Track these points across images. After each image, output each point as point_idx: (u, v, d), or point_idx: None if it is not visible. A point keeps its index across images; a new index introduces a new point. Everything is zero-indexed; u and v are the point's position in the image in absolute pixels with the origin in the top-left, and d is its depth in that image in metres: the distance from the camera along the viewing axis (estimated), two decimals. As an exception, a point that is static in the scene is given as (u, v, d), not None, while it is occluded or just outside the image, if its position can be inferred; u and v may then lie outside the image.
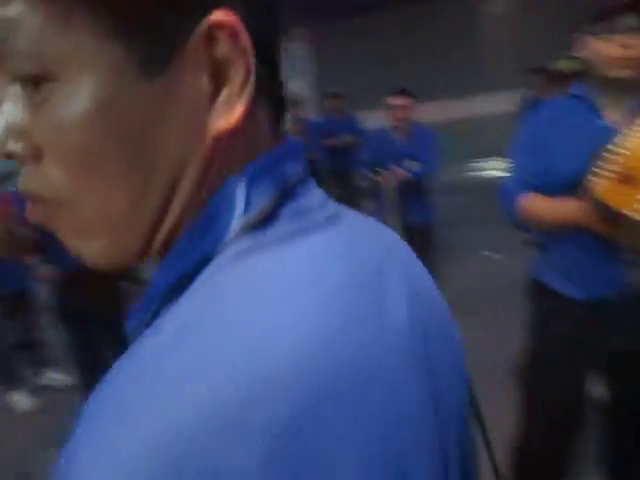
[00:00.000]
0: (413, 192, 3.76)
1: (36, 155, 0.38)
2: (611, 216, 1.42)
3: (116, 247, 0.41)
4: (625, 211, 1.35)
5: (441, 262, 4.40)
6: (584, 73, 1.68)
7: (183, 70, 0.36)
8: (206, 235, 0.38)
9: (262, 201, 0.38)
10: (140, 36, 0.35)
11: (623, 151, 1.34)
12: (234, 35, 0.36)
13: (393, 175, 3.74)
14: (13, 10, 0.34)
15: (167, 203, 0.39)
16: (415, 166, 3.68)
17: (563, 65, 3.04)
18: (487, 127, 7.03)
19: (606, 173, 1.37)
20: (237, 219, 0.38)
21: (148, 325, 0.37)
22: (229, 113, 0.37)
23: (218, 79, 0.37)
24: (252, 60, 0.37)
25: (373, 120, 6.81)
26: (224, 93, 0.37)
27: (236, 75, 0.37)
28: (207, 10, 0.35)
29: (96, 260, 0.42)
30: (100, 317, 2.64)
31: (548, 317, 1.96)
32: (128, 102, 0.36)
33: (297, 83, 9.34)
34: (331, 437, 0.31)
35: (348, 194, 6.17)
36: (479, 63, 8.31)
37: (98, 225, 0.40)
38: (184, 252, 0.39)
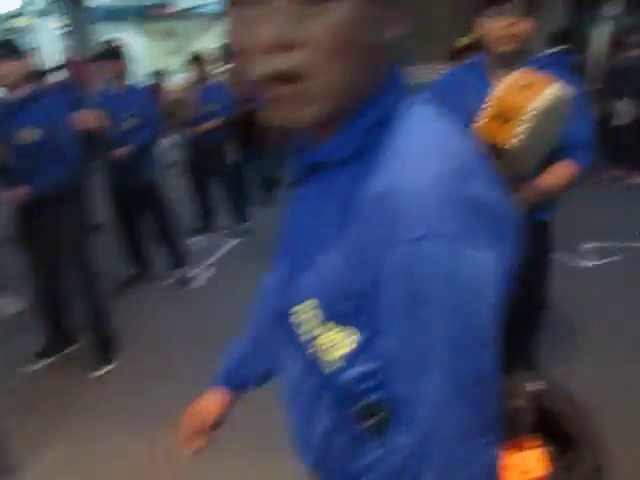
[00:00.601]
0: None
1: (289, 46, 0.57)
2: (494, 152, 1.62)
3: (324, 113, 0.62)
4: (503, 144, 1.58)
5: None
6: (478, 47, 2.01)
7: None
8: (389, 96, 0.67)
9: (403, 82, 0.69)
10: None
11: (493, 98, 1.61)
12: None
13: None
14: None
15: (365, 82, 0.64)
16: None
17: (460, 42, 3.45)
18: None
19: (485, 118, 1.62)
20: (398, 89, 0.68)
21: (351, 156, 0.66)
22: (397, 26, 0.65)
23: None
24: None
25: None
26: (395, 15, 0.64)
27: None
28: None
29: (303, 122, 0.62)
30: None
31: None
32: (363, 18, 0.58)
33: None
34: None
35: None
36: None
37: (322, 95, 0.60)
38: (376, 105, 0.65)
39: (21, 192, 2.80)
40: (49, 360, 3.29)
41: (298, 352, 0.76)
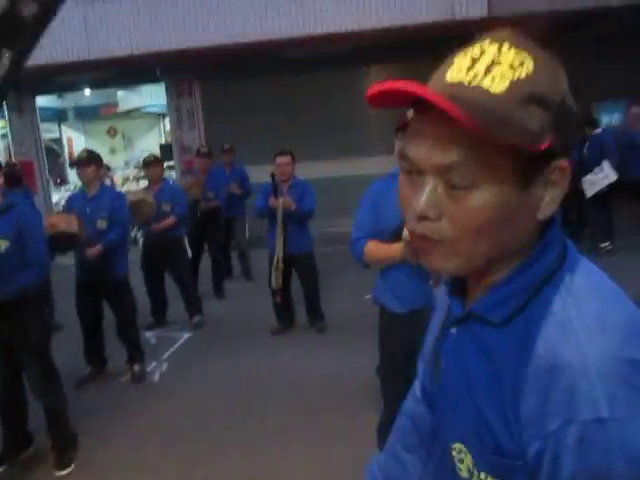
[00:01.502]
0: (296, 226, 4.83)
1: (432, 218, 0.66)
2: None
3: (465, 266, 0.70)
4: None
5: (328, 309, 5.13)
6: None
7: (534, 186, 0.66)
8: (550, 254, 0.70)
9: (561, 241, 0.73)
10: (522, 169, 0.64)
11: None
12: (565, 171, 0.67)
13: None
14: (455, 153, 0.63)
15: (507, 246, 0.69)
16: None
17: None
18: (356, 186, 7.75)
19: None
20: (559, 248, 0.71)
21: (510, 316, 0.69)
22: (548, 210, 0.68)
23: (547, 190, 0.67)
24: (567, 182, 0.67)
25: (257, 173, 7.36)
26: (548, 198, 0.67)
27: (557, 189, 0.67)
28: (557, 157, 0.66)
29: (446, 272, 0.73)
30: None
31: (384, 328, 2.58)
32: (507, 205, 0.64)
33: (194, 135, 9.72)
34: None
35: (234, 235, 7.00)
36: (355, 129, 9.21)
37: (461, 255, 0.68)
38: (537, 264, 0.70)
39: None
40: (5, 466, 3.25)
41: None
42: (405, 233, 2.03)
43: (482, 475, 0.71)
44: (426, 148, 0.65)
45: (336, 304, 5.54)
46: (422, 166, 0.66)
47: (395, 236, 2.23)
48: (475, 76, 0.65)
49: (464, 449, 0.74)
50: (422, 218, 0.67)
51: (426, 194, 0.66)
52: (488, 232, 0.65)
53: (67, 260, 4.86)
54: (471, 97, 0.62)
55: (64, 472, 3.16)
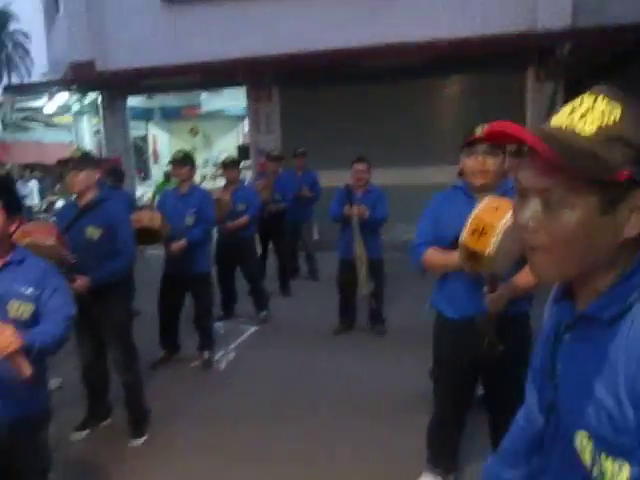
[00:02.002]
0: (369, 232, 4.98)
1: (535, 229, 0.84)
2: (473, 256, 2.13)
3: (562, 273, 0.86)
4: (481, 250, 2.07)
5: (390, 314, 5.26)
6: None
7: (618, 210, 0.79)
8: None
9: None
10: (605, 196, 0.78)
11: (473, 216, 2.12)
12: None
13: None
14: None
15: (596, 257, 0.83)
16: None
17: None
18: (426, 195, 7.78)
19: (467, 231, 2.12)
20: None
21: (626, 307, 0.81)
22: (634, 230, 0.80)
23: (632, 213, 0.80)
24: None
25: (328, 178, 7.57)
26: (633, 220, 0.80)
27: None
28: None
29: (549, 275, 0.87)
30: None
31: (438, 331, 2.69)
32: (592, 223, 0.79)
33: (270, 139, 10.09)
34: None
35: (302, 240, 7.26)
36: (428, 139, 9.24)
37: (557, 263, 0.84)
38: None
39: (84, 282, 3.25)
40: (88, 432, 3.63)
41: (579, 473, 0.87)
42: (461, 241, 2.16)
43: (603, 456, 0.81)
44: (529, 175, 0.84)
45: (398, 309, 5.67)
46: (527, 189, 0.85)
47: (452, 245, 2.34)
48: (572, 121, 0.82)
49: (586, 435, 0.84)
50: (525, 229, 0.85)
51: (528, 210, 0.85)
52: (574, 244, 0.81)
53: (156, 252, 5.28)
54: (564, 138, 0.79)
55: (137, 442, 3.49)
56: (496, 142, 0.81)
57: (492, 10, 8.69)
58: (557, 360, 0.94)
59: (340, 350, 4.89)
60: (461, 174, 2.65)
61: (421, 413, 3.23)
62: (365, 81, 9.41)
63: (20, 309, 2.03)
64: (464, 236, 2.14)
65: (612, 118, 0.79)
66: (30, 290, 2.06)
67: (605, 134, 0.78)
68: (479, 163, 2.38)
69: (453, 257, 2.34)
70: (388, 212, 5.03)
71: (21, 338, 1.79)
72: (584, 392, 0.85)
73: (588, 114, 0.80)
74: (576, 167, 0.76)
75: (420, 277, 3.00)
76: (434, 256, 2.55)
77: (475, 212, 2.13)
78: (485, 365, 2.54)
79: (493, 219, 2.06)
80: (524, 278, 2.35)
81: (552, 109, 8.53)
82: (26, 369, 1.79)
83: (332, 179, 7.38)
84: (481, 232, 2.08)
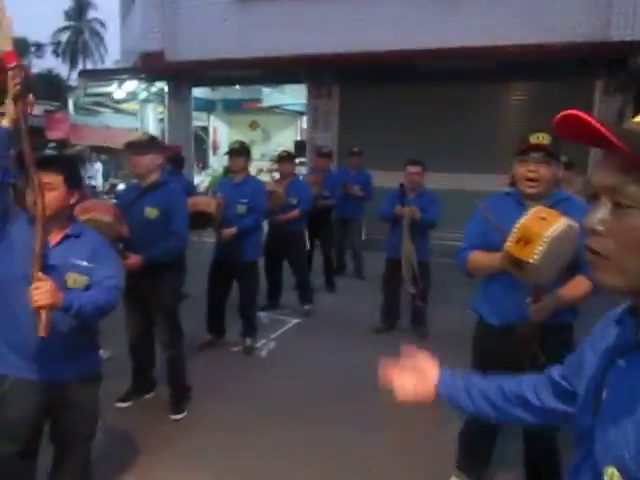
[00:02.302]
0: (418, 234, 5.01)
1: (598, 233, 0.79)
2: (517, 264, 2.14)
3: (627, 283, 0.80)
4: (524, 259, 2.07)
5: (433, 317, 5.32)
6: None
7: None
8: None
9: None
10: None
11: (519, 225, 2.12)
12: None
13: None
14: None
15: None
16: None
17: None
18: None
19: (513, 238, 2.13)
20: None
21: None
22: None
23: None
24: None
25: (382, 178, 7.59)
26: None
27: None
28: None
29: (607, 287, 0.81)
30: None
31: (477, 336, 2.68)
32: None
33: (327, 136, 10.20)
34: None
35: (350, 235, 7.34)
36: (489, 145, 9.09)
37: (623, 271, 0.78)
38: None
39: (137, 259, 3.42)
40: (131, 403, 3.80)
41: None
42: (505, 248, 2.16)
43: None
44: (600, 173, 0.81)
45: (441, 313, 5.63)
46: (596, 188, 0.82)
47: (499, 247, 2.33)
48: None
49: (617, 473, 0.79)
50: (592, 232, 0.80)
51: (598, 213, 0.80)
52: (637, 250, 0.76)
53: (207, 239, 5.46)
54: (638, 133, 0.76)
55: (178, 417, 3.64)
56: (564, 134, 0.73)
57: (564, 18, 8.47)
58: (605, 385, 0.88)
59: (379, 348, 4.82)
60: (512, 183, 2.63)
61: (455, 417, 3.23)
62: (426, 83, 9.36)
63: (76, 281, 2.14)
64: (509, 243, 2.14)
65: None
66: (85, 263, 2.17)
67: None
68: (532, 171, 2.37)
69: (497, 257, 2.32)
70: (440, 216, 5.01)
71: (58, 297, 1.87)
72: (627, 423, 0.79)
73: None
74: None
75: (466, 283, 3.00)
76: (478, 256, 2.56)
77: (522, 221, 2.13)
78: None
79: (539, 229, 2.05)
80: (570, 290, 2.34)
81: (620, 122, 8.25)
82: (43, 330, 1.83)
83: (385, 180, 7.42)
84: (526, 241, 2.07)
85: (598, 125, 0.72)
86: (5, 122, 1.88)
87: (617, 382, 0.85)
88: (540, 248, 2.02)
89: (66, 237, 2.20)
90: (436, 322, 5.40)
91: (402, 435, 3.45)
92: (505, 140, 8.83)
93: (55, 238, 2.17)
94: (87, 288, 2.16)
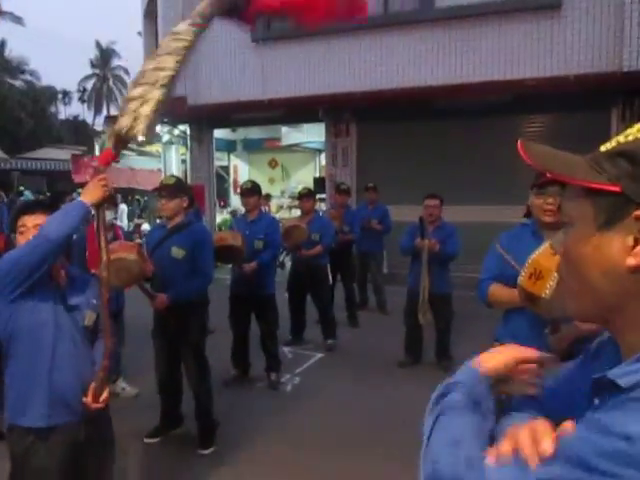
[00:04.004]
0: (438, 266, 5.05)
1: (560, 256, 0.80)
2: (530, 297, 2.21)
3: (577, 311, 0.79)
4: (537, 294, 2.14)
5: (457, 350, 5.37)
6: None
7: (615, 230, 0.71)
8: None
9: None
10: (607, 214, 0.71)
11: (531, 260, 2.17)
12: None
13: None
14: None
15: (603, 300, 0.73)
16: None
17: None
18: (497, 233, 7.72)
19: (526, 273, 2.18)
20: None
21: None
22: (637, 256, 0.68)
23: (637, 241, 0.69)
24: None
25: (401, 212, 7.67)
26: (638, 248, 0.68)
27: None
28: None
29: (570, 313, 0.80)
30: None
31: None
32: (588, 238, 0.73)
33: (346, 172, 10.36)
34: None
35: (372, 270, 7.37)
36: (506, 178, 9.15)
37: (572, 296, 0.78)
38: None
39: (164, 299, 3.54)
40: (160, 438, 3.85)
41: None
42: (519, 283, 2.22)
43: None
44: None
45: (465, 346, 5.61)
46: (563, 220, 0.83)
47: (515, 282, 2.40)
48: (613, 142, 0.76)
49: None
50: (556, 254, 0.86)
51: (558, 234, 0.83)
52: (579, 267, 0.74)
53: (224, 275, 5.56)
54: (568, 155, 0.77)
55: (206, 451, 3.68)
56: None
57: (578, 50, 8.61)
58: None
59: (404, 383, 4.91)
60: (527, 215, 2.70)
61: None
62: (442, 118, 9.50)
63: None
64: (522, 278, 2.20)
65: (633, 137, 0.73)
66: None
67: (615, 150, 0.73)
68: (550, 204, 2.43)
69: (515, 293, 2.38)
70: (459, 248, 5.07)
71: None
72: None
73: (620, 136, 0.75)
74: (563, 173, 0.74)
75: (489, 315, 3.04)
76: (499, 291, 2.61)
77: (533, 256, 2.18)
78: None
79: (551, 264, 2.08)
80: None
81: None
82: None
83: (404, 214, 7.50)
84: (538, 276, 2.13)
85: (519, 145, 0.76)
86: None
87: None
88: (551, 283, 2.07)
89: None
90: (461, 354, 5.38)
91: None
92: (522, 173, 8.88)
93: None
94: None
